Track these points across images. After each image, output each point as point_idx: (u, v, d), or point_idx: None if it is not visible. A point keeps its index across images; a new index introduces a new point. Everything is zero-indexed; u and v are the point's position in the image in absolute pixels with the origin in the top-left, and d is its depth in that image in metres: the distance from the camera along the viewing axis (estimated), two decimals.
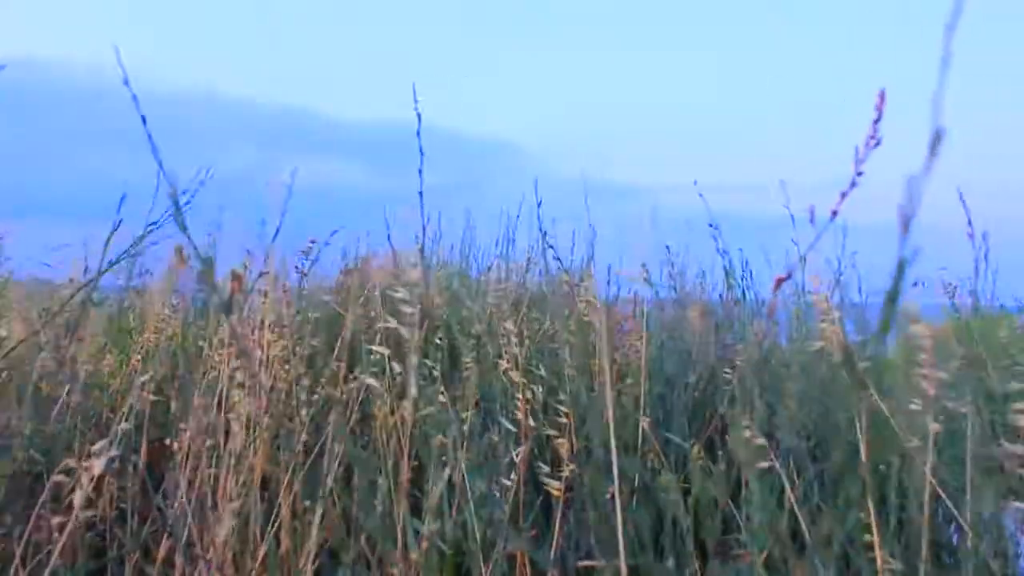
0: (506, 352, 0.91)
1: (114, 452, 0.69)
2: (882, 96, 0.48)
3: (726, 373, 1.27)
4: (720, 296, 1.76)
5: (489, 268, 1.93)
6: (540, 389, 0.94)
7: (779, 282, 0.55)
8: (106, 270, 0.92)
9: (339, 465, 0.95)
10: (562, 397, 0.93)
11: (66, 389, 1.01)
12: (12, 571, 0.90)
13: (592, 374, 1.28)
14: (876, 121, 0.49)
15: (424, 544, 0.79)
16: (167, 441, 0.92)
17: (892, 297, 0.26)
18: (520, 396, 0.87)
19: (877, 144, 0.49)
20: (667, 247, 1.75)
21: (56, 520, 0.76)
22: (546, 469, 0.98)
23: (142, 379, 0.95)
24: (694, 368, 1.41)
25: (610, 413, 0.66)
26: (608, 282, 1.69)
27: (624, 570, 0.70)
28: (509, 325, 0.84)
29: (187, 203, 0.98)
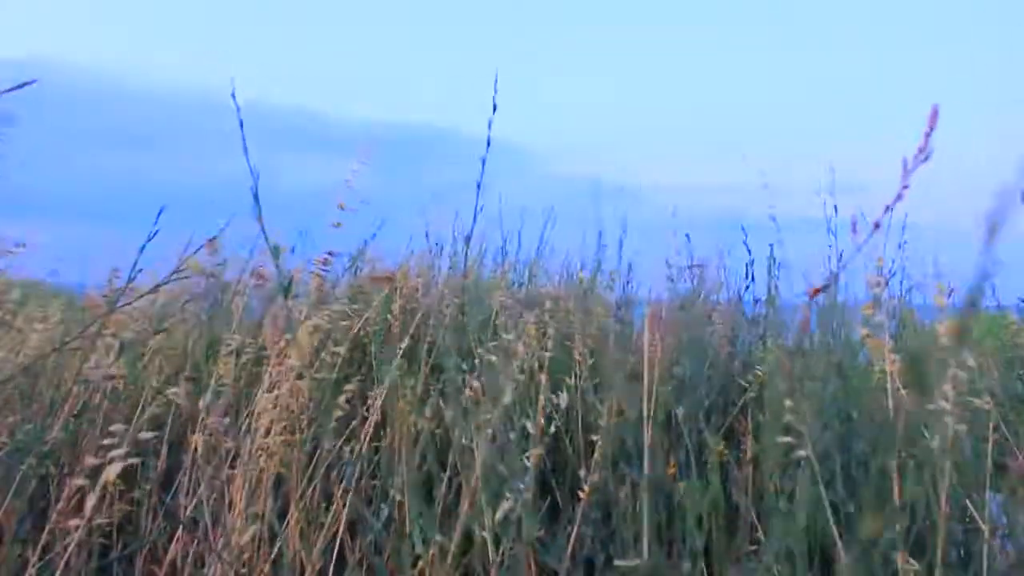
0: (526, 355, 0.91)
1: (132, 460, 0.68)
2: (935, 112, 0.48)
3: (746, 378, 1.27)
4: (742, 298, 1.73)
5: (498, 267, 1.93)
6: (562, 393, 0.94)
7: (815, 292, 0.54)
8: (180, 270, 0.90)
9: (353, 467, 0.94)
10: (580, 400, 0.93)
11: (88, 394, 1.00)
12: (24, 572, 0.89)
13: (605, 376, 1.27)
14: (928, 135, 0.49)
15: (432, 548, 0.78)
16: (188, 436, 0.91)
17: (973, 301, 0.26)
18: (542, 397, 0.87)
19: (927, 158, 0.49)
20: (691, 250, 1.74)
21: (71, 523, 0.75)
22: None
23: (157, 382, 0.95)
24: (713, 371, 1.40)
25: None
26: (623, 283, 1.69)
27: (647, 570, 0.70)
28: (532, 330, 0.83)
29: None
